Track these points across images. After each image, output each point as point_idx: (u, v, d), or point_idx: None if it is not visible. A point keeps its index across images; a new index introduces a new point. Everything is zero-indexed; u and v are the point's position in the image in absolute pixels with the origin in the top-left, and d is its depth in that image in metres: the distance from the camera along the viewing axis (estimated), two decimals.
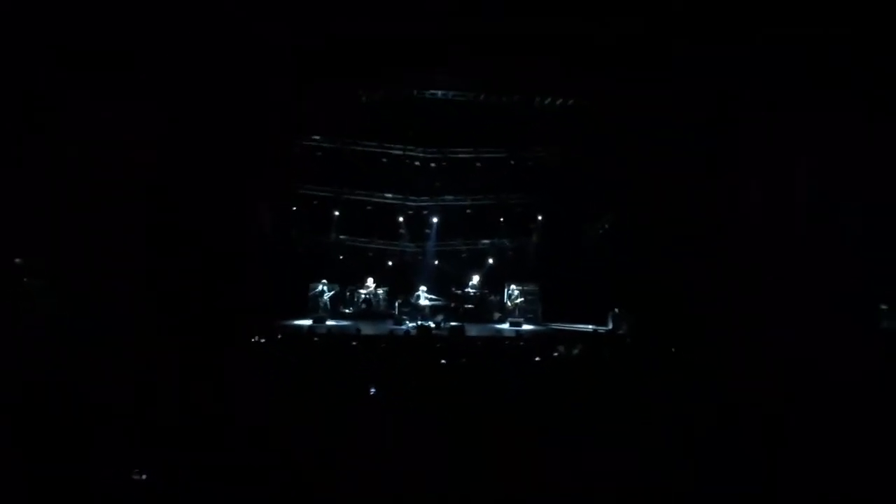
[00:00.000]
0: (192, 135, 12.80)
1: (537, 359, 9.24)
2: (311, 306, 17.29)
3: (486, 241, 19.72)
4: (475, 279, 18.59)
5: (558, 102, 15.57)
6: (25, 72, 10.43)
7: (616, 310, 16.01)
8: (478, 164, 18.02)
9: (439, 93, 15.49)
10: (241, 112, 13.35)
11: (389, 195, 18.99)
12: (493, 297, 18.47)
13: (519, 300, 17.81)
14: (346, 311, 18.06)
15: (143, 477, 4.09)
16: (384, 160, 18.05)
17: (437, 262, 19.47)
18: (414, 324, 16.24)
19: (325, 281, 17.61)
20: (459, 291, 18.41)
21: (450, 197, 19.01)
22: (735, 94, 11.87)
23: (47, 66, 10.55)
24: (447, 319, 16.76)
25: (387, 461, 4.44)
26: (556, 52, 12.42)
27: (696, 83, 12.14)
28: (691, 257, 12.79)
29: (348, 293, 18.38)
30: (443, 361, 8.50)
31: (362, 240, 19.49)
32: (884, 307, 15.62)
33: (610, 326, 16.12)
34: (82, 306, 10.74)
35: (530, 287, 18.00)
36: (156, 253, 12.12)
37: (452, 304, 18.05)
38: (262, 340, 10.59)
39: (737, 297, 11.61)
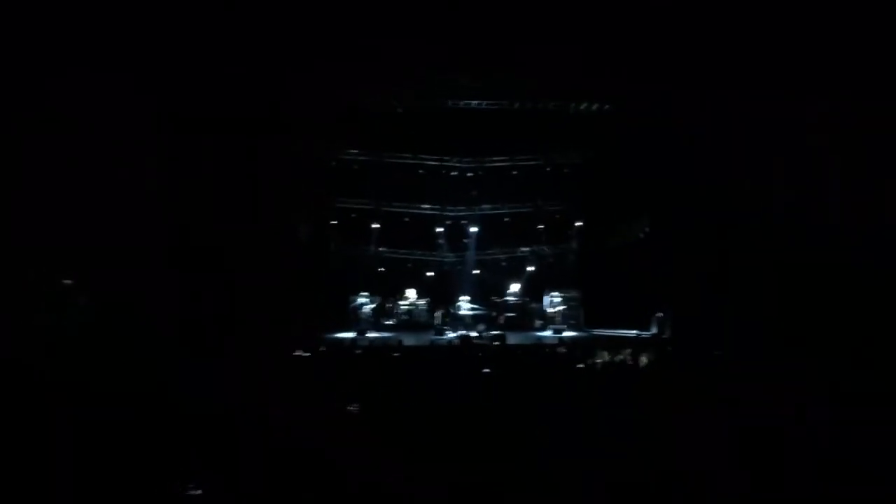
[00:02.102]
0: (230, 150, 13.00)
1: (580, 366, 9.20)
2: (352, 319, 17.37)
3: (525, 249, 19.63)
4: (515, 287, 18.51)
5: (594, 108, 15.50)
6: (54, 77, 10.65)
7: (660, 314, 15.81)
8: (514, 173, 18.00)
9: (474, 102, 15.52)
10: (279, 128, 13.53)
11: (427, 206, 19.03)
12: (533, 305, 18.35)
13: (560, 307, 17.67)
14: (388, 322, 18.11)
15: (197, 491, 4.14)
16: (420, 171, 18.11)
17: (476, 272, 19.44)
18: (455, 334, 16.23)
19: (366, 293, 17.69)
20: (500, 300, 18.35)
21: (487, 206, 18.98)
22: (768, 94, 11.70)
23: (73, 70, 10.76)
24: (488, 329, 16.70)
25: (426, 468, 4.45)
26: (590, 57, 12.39)
27: (732, 83, 12.00)
28: (733, 259, 12.61)
29: (389, 305, 18.44)
30: (485, 370, 8.49)
31: (402, 251, 19.54)
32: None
33: (654, 331, 15.91)
34: (121, 321, 10.94)
35: (571, 293, 17.83)
36: (197, 268, 12.30)
37: (493, 314, 17.99)
38: (306, 354, 10.68)
39: (776, 298, 11.41)
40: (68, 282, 11.33)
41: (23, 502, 4.09)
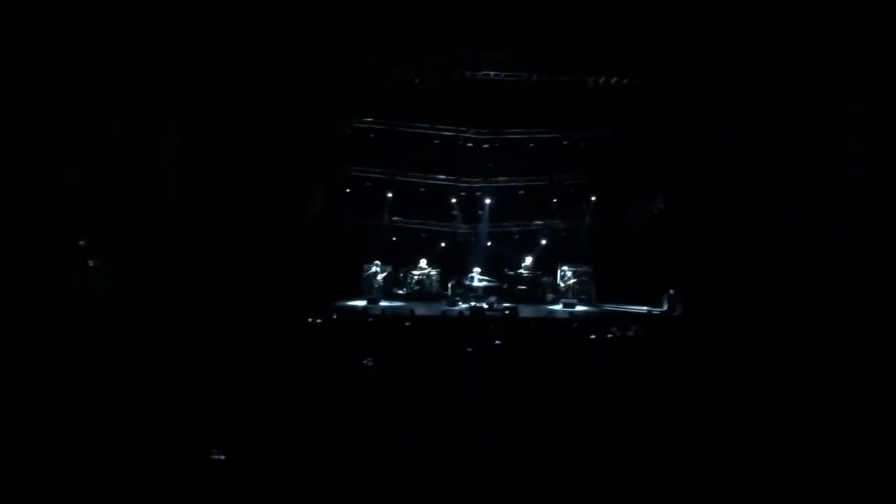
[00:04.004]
0: (244, 118, 12.98)
1: (592, 336, 9.24)
2: (364, 287, 17.45)
3: (538, 223, 19.63)
4: (528, 260, 18.54)
5: (612, 81, 15.36)
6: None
7: (671, 291, 15.81)
8: (530, 145, 17.90)
9: (491, 73, 15.42)
10: (294, 95, 13.49)
11: (442, 177, 19.01)
12: (546, 279, 18.39)
13: (572, 281, 17.70)
14: (400, 292, 18.19)
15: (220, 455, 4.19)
16: (436, 142, 18.03)
17: (489, 244, 19.47)
18: (467, 305, 16.30)
19: (378, 262, 17.75)
20: (512, 273, 18.40)
21: (502, 178, 18.94)
22: (789, 70, 11.56)
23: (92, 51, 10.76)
24: (500, 301, 16.76)
25: (440, 439, 4.49)
26: (606, 31, 12.26)
27: (749, 58, 11.86)
28: (748, 237, 12.55)
29: (402, 274, 18.51)
30: (497, 342, 8.54)
31: (415, 221, 19.57)
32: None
33: (665, 308, 15.93)
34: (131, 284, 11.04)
35: (583, 268, 17.84)
36: (210, 236, 12.35)
37: (505, 286, 18.03)
38: (318, 321, 10.76)
39: (794, 277, 11.37)
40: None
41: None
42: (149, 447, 4.22)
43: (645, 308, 16.12)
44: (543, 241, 19.35)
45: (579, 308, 16.62)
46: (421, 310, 14.04)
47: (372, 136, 17.63)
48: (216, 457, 4.19)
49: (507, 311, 14.72)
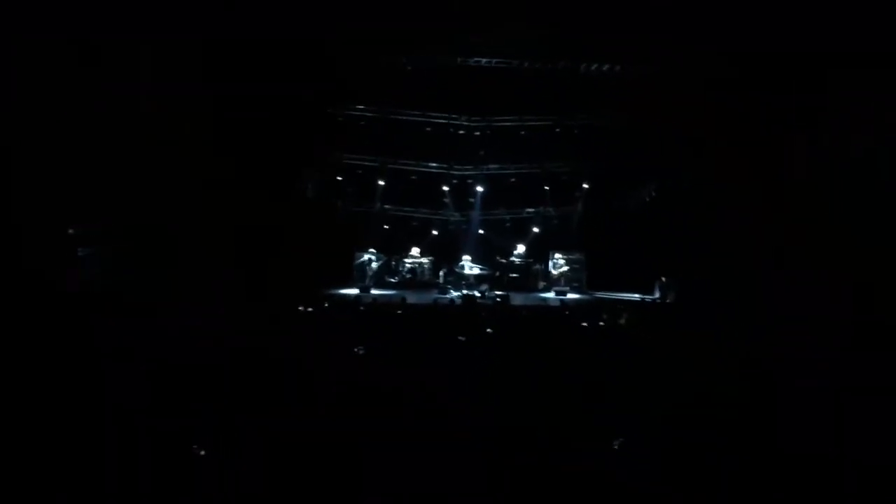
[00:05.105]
0: (235, 106, 12.91)
1: (584, 324, 9.24)
2: (357, 276, 17.42)
3: (530, 210, 19.60)
4: (520, 248, 18.53)
5: (604, 69, 15.32)
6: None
7: (663, 279, 15.84)
8: (522, 133, 17.81)
9: (483, 60, 15.35)
10: (285, 82, 13.41)
11: (434, 164, 18.92)
12: (537, 266, 18.40)
13: (564, 269, 17.71)
14: (392, 280, 18.17)
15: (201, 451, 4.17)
16: (428, 129, 17.94)
17: (481, 232, 19.43)
18: (459, 293, 16.29)
19: (371, 250, 17.71)
20: (504, 260, 18.39)
21: (494, 165, 18.87)
22: (781, 58, 11.54)
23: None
24: (492, 288, 16.76)
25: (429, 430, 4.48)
26: (598, 18, 12.22)
27: (744, 45, 11.84)
28: (740, 224, 12.57)
29: (394, 262, 18.48)
30: (488, 330, 8.53)
31: (407, 209, 19.52)
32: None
33: (657, 295, 15.96)
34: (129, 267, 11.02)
35: (575, 256, 17.86)
36: (202, 223, 12.31)
37: (497, 273, 18.03)
38: (310, 309, 10.73)
39: (787, 264, 11.39)
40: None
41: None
42: (148, 446, 4.20)
43: (637, 295, 16.16)
44: (535, 229, 19.33)
45: (571, 296, 16.64)
46: (413, 298, 14.02)
47: (363, 123, 17.52)
48: (208, 455, 4.17)
49: (498, 299, 14.73)
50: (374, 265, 17.63)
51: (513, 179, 18.94)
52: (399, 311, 10.89)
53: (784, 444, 4.32)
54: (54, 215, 10.70)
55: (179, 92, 12.25)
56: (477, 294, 15.99)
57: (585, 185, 18.74)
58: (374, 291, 16.41)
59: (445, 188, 19.08)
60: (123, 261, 11.60)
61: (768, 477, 3.96)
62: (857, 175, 10.58)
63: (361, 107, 17.35)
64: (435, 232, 19.63)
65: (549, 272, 18.00)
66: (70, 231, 11.32)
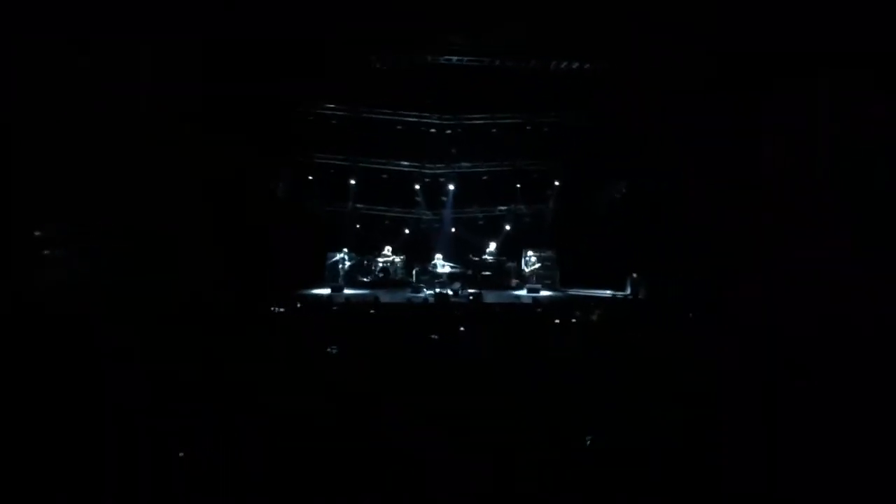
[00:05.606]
0: (202, 106, 12.81)
1: (557, 321, 9.28)
2: (329, 275, 17.34)
3: (502, 208, 19.66)
4: (492, 246, 18.57)
5: (574, 66, 15.38)
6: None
7: (634, 275, 15.97)
8: (493, 131, 17.84)
9: (454, 58, 15.35)
10: (255, 82, 13.32)
11: (405, 163, 18.89)
12: (510, 264, 18.44)
13: (536, 266, 17.78)
14: (364, 279, 18.10)
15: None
16: (399, 127, 17.90)
17: (453, 230, 19.45)
18: (431, 291, 16.29)
19: (344, 249, 17.65)
20: (476, 258, 18.41)
21: (466, 164, 18.89)
22: (756, 56, 11.66)
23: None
24: (464, 287, 16.78)
25: (406, 429, 4.48)
26: (570, 16, 12.27)
27: (716, 44, 11.96)
28: (710, 221, 12.70)
29: (366, 262, 18.41)
30: (461, 329, 8.54)
31: (379, 208, 19.48)
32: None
33: (628, 292, 16.09)
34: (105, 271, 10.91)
35: (547, 253, 17.94)
36: (175, 225, 12.20)
37: (470, 272, 18.04)
38: (282, 310, 10.67)
39: (758, 260, 11.53)
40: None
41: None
42: (147, 446, 4.17)
43: (609, 292, 16.27)
44: (507, 227, 19.39)
45: (544, 293, 16.71)
46: (385, 297, 14.00)
47: (334, 122, 17.43)
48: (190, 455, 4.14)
49: (471, 297, 14.76)
50: (346, 264, 17.56)
51: (485, 177, 18.99)
52: (372, 311, 10.86)
53: (751, 440, 4.37)
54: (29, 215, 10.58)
55: (144, 92, 12.12)
56: (450, 292, 16.00)
57: (557, 183, 18.84)
58: (346, 291, 16.34)
59: (417, 187, 19.07)
60: (92, 261, 11.45)
61: (737, 475, 4.00)
62: (830, 173, 10.74)
63: (332, 106, 17.26)
64: (407, 231, 19.61)
65: (522, 270, 18.06)
66: (37, 233, 11.16)
